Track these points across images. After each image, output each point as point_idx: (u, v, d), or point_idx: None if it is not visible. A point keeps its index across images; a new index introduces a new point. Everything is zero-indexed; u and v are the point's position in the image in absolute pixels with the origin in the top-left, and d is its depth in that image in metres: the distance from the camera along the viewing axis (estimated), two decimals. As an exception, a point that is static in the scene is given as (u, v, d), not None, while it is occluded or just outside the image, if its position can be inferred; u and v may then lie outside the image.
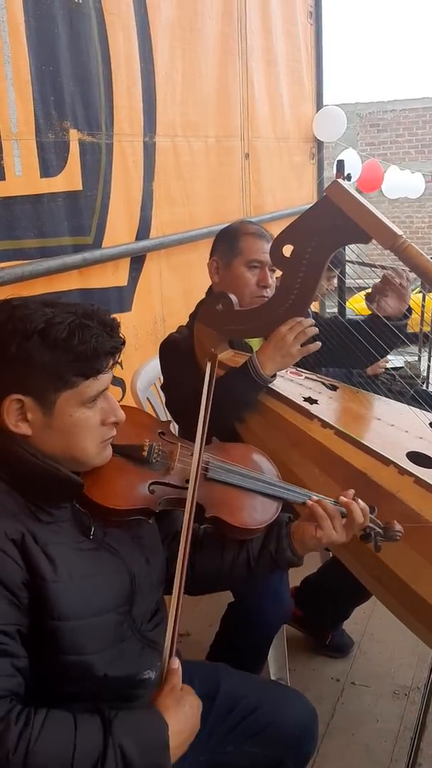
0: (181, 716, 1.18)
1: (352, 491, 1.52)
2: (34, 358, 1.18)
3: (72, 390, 1.21)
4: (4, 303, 1.23)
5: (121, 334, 1.27)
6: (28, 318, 1.18)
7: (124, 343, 1.27)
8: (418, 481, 1.63)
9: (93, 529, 1.30)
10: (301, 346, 1.88)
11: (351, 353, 2.10)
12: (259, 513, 1.48)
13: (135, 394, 2.38)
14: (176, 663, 1.21)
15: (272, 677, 2.16)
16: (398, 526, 1.48)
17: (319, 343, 1.91)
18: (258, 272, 2.08)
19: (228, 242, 2.13)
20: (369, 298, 2.14)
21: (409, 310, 2.15)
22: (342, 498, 1.48)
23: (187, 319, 2.17)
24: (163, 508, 1.39)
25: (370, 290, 2.17)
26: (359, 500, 1.49)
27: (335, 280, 2.87)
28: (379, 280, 2.13)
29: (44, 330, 1.17)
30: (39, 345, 1.17)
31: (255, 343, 2.13)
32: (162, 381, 2.21)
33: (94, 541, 1.30)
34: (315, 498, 1.48)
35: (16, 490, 1.22)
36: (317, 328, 1.90)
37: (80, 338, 1.19)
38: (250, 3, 3.77)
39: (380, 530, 1.49)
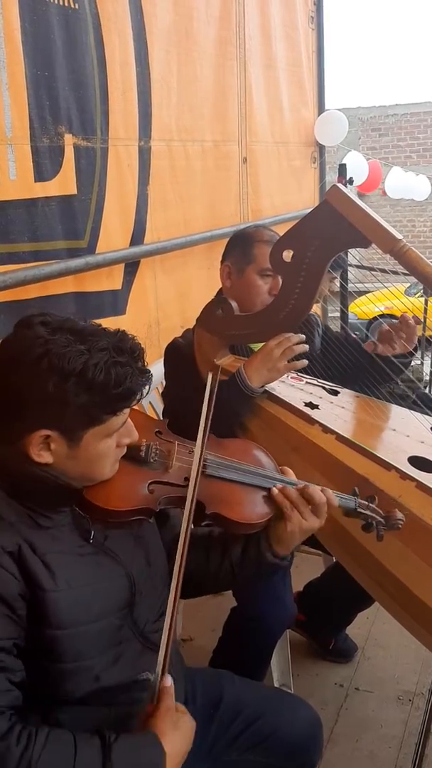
0: (177, 739, 1.19)
1: (288, 470, 1.52)
2: (70, 400, 1.18)
3: (100, 426, 1.23)
4: (31, 332, 1.20)
5: (147, 365, 1.28)
6: (65, 357, 1.17)
7: (151, 376, 1.29)
8: (420, 486, 1.62)
9: (93, 533, 1.30)
10: (289, 361, 1.87)
11: (358, 372, 2.11)
12: (259, 506, 1.47)
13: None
14: (169, 681, 1.20)
15: (275, 683, 2.16)
16: (399, 515, 1.49)
17: (305, 361, 1.91)
18: (270, 281, 2.07)
19: (242, 248, 2.11)
20: (371, 346, 2.14)
21: (416, 348, 2.15)
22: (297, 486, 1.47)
23: (188, 323, 2.15)
24: (163, 507, 1.39)
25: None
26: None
27: (337, 281, 2.86)
28: (384, 326, 2.13)
29: (82, 372, 1.17)
30: (76, 387, 1.18)
31: (258, 348, 2.12)
32: (164, 386, 2.20)
33: (93, 545, 1.30)
34: (278, 487, 1.46)
35: (13, 497, 1.23)
36: (327, 342, 1.90)
37: (116, 380, 1.19)
38: (249, 8, 3.76)
39: (381, 519, 1.49)
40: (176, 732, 1.19)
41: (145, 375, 1.26)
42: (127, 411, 1.27)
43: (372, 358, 2.10)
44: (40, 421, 1.19)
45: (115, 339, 1.24)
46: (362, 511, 1.49)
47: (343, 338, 2.27)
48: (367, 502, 1.50)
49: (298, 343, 1.87)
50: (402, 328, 2.10)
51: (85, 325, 1.25)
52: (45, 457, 1.22)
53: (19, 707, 1.16)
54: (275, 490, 1.45)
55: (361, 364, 2.10)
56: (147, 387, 1.28)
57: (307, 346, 1.88)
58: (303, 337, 1.88)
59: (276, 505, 1.46)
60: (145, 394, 1.29)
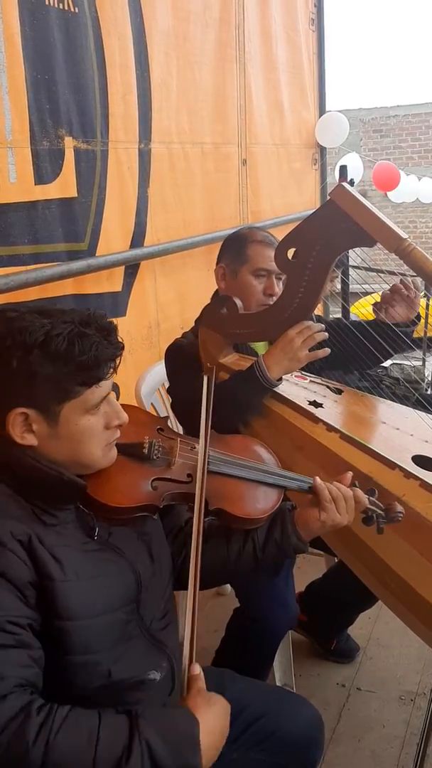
0: (212, 715, 1.16)
1: (349, 474, 1.53)
2: (36, 371, 1.18)
3: (75, 399, 1.23)
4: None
5: (119, 338, 1.28)
6: (27, 331, 1.18)
7: (123, 347, 1.28)
8: (424, 485, 1.63)
9: (97, 530, 1.30)
10: (309, 351, 1.87)
11: (354, 355, 2.10)
12: (261, 502, 1.49)
13: (139, 399, 2.39)
14: (197, 669, 1.20)
15: (278, 683, 2.16)
16: (399, 508, 1.49)
17: (327, 350, 1.90)
18: (265, 281, 2.08)
19: (235, 249, 2.12)
20: (376, 306, 2.13)
21: (418, 317, 2.14)
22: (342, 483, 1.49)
23: (188, 324, 2.16)
24: (167, 504, 1.40)
25: (377, 295, 2.16)
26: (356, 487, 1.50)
27: (338, 281, 2.87)
28: (388, 288, 2.12)
29: (44, 342, 1.18)
30: (40, 358, 1.18)
31: (260, 347, 2.13)
32: (166, 386, 2.21)
33: (98, 542, 1.30)
34: (320, 481, 1.48)
35: (19, 494, 1.23)
36: (325, 333, 1.90)
37: (80, 348, 1.19)
38: (249, 11, 3.78)
39: (381, 512, 1.50)
40: (210, 708, 1.16)
41: (114, 345, 1.25)
42: (103, 384, 1.25)
43: (368, 334, 2.08)
44: (13, 400, 1.20)
45: (83, 315, 1.24)
46: (366, 505, 1.50)
47: (336, 322, 2.25)
48: (367, 495, 1.51)
49: (318, 332, 1.86)
50: (404, 290, 2.09)
51: (56, 307, 1.26)
52: (29, 439, 1.22)
53: (39, 687, 1.15)
54: (319, 480, 1.47)
55: (358, 343, 2.08)
56: (118, 359, 1.27)
57: (326, 334, 1.88)
58: (323, 326, 1.89)
59: (306, 496, 1.50)
60: (117, 365, 1.28)
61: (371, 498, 1.51)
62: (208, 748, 1.11)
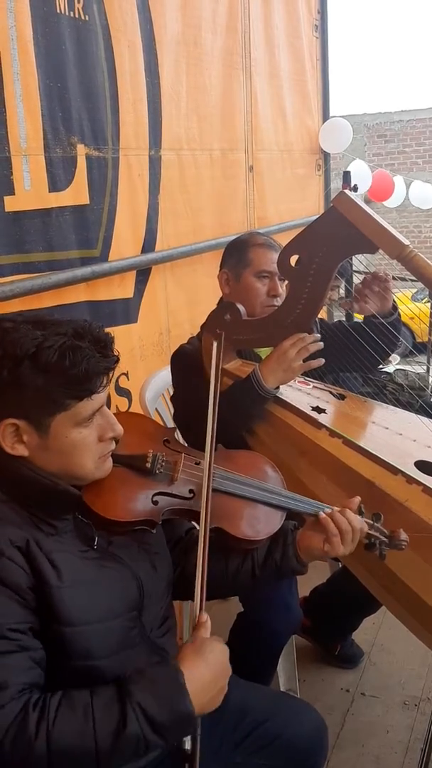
0: (200, 661, 1.18)
1: (357, 499, 1.52)
2: (26, 383, 1.18)
3: (66, 412, 1.22)
4: None
5: (115, 351, 1.27)
6: (18, 342, 1.18)
7: (117, 360, 1.28)
8: (427, 490, 1.63)
9: (96, 539, 1.31)
10: (304, 361, 1.88)
11: (354, 356, 2.11)
12: (262, 524, 1.48)
13: (144, 405, 2.40)
14: (205, 617, 1.23)
15: (282, 688, 2.16)
16: (404, 535, 1.48)
17: (322, 360, 1.91)
18: (268, 282, 2.10)
19: (237, 254, 2.15)
20: (344, 302, 2.14)
21: (395, 306, 2.15)
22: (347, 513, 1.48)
23: (197, 330, 2.17)
24: (166, 518, 1.39)
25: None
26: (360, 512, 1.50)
27: (340, 290, 2.89)
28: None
29: (35, 355, 1.18)
30: (30, 370, 1.18)
31: (264, 352, 2.14)
32: (171, 392, 2.22)
33: (97, 551, 1.31)
34: (327, 511, 1.47)
35: (17, 503, 1.24)
36: (324, 334, 1.91)
37: (71, 361, 1.19)
38: (254, 18, 3.79)
39: (385, 539, 1.48)
40: (198, 655, 1.19)
41: (107, 359, 1.24)
42: (95, 398, 1.24)
43: (366, 332, 2.10)
44: (4, 410, 1.20)
45: (78, 326, 1.24)
46: (367, 531, 1.49)
47: (336, 325, 2.28)
48: (372, 521, 1.50)
49: (312, 342, 1.88)
50: (374, 282, 2.11)
51: (53, 318, 1.26)
52: (19, 450, 1.22)
53: (42, 684, 1.16)
54: (323, 515, 1.47)
55: (357, 343, 2.10)
56: (111, 372, 1.26)
57: (321, 344, 1.90)
58: (318, 336, 1.90)
59: (309, 522, 1.50)
60: (110, 378, 1.27)
61: (376, 524, 1.49)
62: (198, 694, 1.15)
